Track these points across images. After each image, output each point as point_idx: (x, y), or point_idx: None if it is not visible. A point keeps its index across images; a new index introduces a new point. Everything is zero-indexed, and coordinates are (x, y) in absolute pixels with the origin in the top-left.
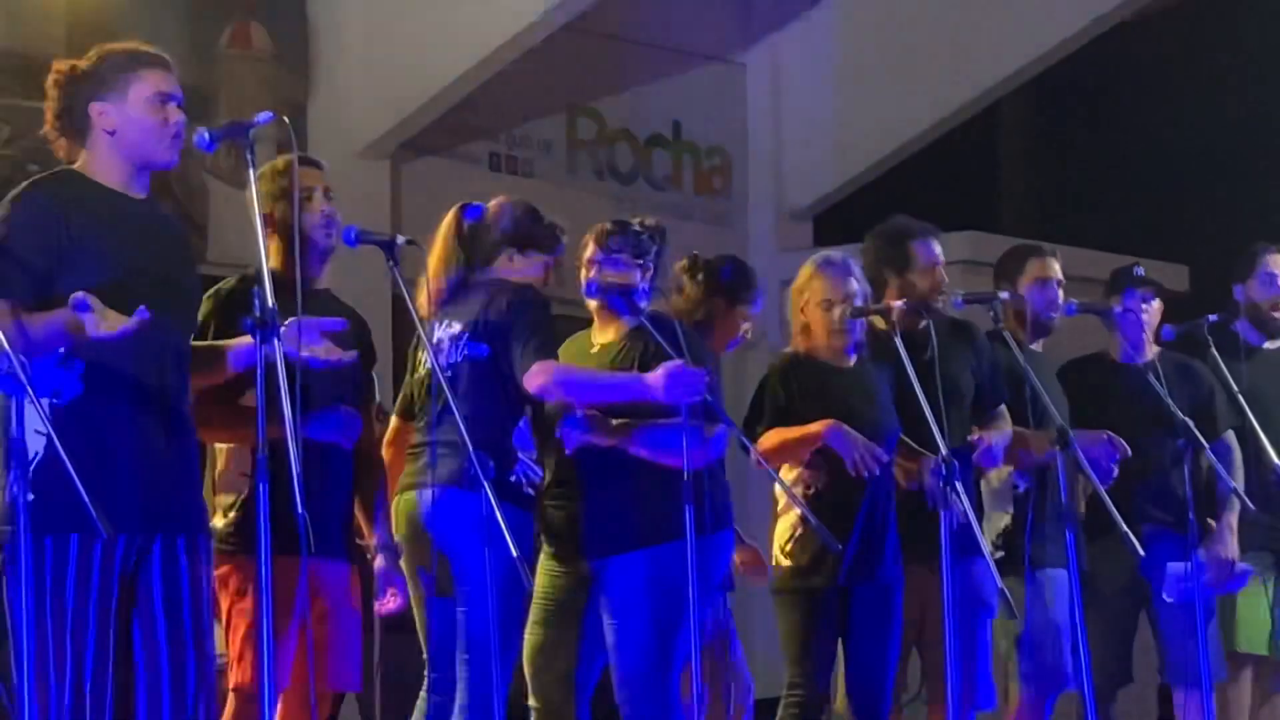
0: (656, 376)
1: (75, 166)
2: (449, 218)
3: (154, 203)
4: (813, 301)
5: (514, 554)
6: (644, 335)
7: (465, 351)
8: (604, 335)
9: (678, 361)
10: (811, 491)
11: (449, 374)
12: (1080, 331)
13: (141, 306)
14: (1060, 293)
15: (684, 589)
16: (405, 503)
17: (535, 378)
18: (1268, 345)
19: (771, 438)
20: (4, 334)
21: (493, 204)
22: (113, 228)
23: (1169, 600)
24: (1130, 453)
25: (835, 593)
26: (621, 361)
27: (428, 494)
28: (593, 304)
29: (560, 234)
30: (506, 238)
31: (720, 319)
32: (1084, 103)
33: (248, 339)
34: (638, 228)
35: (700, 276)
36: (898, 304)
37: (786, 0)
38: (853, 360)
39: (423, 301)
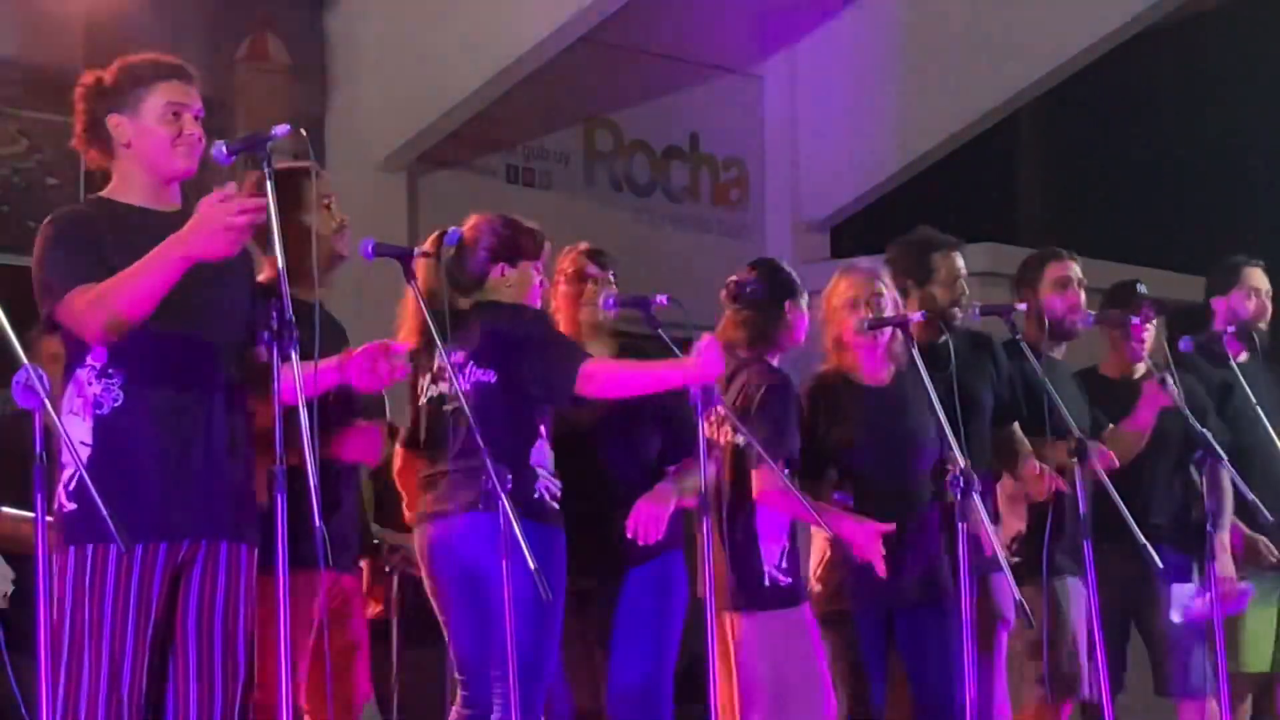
0: (692, 361)
1: (103, 193)
2: (427, 245)
3: (186, 214)
4: (839, 305)
5: (531, 566)
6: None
7: (472, 379)
8: (601, 351)
9: (707, 337)
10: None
11: (458, 403)
12: (1089, 341)
13: None
14: (1082, 295)
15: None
16: (424, 533)
17: (589, 384)
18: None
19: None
20: (100, 304)
21: (468, 226)
22: (142, 246)
23: (1176, 620)
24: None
25: (874, 616)
26: None
27: (451, 522)
28: (597, 319)
29: (542, 238)
30: (494, 253)
31: (783, 325)
32: (1101, 114)
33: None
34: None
35: (741, 301)
36: (915, 316)
37: (803, 12)
38: (889, 374)
39: (410, 329)
